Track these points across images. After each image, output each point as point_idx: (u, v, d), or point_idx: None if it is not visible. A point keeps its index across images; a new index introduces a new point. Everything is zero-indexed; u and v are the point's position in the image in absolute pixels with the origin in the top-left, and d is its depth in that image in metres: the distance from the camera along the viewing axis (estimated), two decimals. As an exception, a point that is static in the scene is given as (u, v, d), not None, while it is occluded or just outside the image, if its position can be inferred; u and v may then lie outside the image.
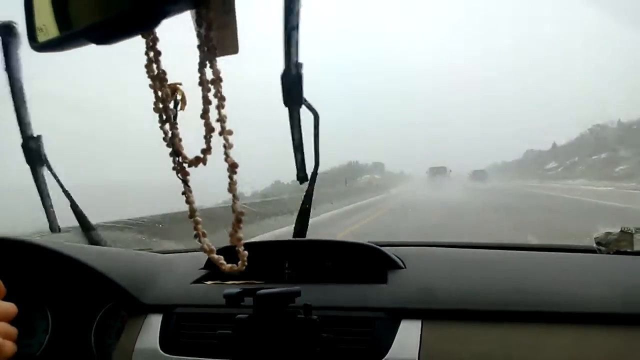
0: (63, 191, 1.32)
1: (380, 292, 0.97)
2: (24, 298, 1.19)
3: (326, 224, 8.62)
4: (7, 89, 1.10)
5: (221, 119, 0.54)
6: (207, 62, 0.57)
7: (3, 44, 1.04)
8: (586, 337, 0.83)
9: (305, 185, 1.18)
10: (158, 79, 0.58)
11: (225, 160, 0.55)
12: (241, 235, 0.57)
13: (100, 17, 0.49)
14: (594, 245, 1.19)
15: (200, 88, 0.53)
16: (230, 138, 0.55)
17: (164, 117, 0.56)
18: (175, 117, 0.57)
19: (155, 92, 0.58)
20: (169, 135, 0.56)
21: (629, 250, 1.14)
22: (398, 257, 1.10)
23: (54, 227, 1.24)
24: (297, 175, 1.08)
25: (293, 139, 1.02)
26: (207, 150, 0.56)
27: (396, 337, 0.87)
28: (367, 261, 1.11)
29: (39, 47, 0.54)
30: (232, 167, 0.55)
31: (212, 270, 1.18)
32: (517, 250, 1.24)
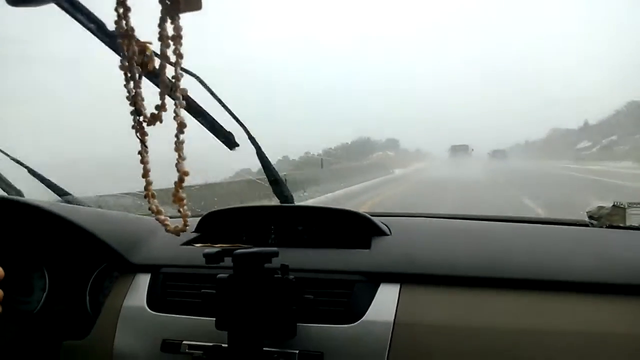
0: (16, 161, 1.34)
1: (362, 256, 0.99)
2: (22, 257, 1.23)
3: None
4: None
5: (176, 77, 0.54)
6: (169, 18, 0.57)
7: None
8: (568, 305, 0.83)
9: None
10: (126, 37, 0.59)
11: (174, 118, 0.56)
12: (184, 195, 0.58)
13: None
14: (586, 219, 1.18)
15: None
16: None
17: (129, 75, 0.57)
18: (140, 76, 0.57)
19: (123, 50, 0.59)
20: (132, 94, 0.57)
21: (621, 224, 1.13)
22: (385, 225, 1.11)
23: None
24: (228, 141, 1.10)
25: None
26: (161, 107, 0.56)
27: (374, 300, 0.89)
28: (353, 228, 1.12)
29: (13, 1, 0.54)
30: (180, 127, 0.55)
31: (202, 234, 1.20)
32: (509, 222, 1.24)
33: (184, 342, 0.92)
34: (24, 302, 1.21)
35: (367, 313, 0.87)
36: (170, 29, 0.54)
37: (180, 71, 0.55)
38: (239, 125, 1.10)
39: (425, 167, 26.54)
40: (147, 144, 0.62)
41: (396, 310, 0.86)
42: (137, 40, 0.59)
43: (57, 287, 1.22)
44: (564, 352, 0.78)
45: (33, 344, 1.11)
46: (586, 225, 1.18)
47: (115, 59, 0.58)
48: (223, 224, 1.23)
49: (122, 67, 0.60)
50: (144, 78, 0.60)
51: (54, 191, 1.40)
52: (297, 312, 0.84)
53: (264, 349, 0.83)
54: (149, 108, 0.60)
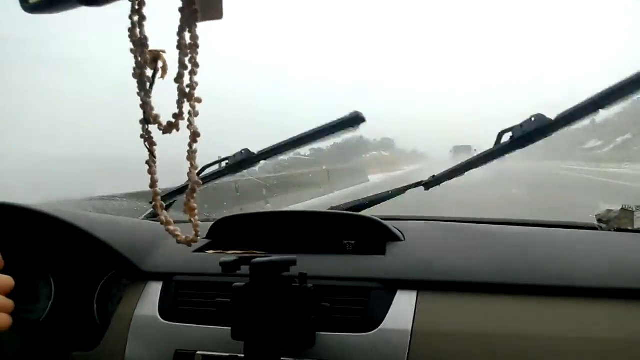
0: None
1: (378, 263, 0.98)
2: (28, 264, 1.22)
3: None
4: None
5: (191, 85, 0.54)
6: (187, 27, 0.57)
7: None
8: (584, 311, 0.83)
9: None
10: (140, 44, 0.58)
11: (188, 127, 0.55)
12: (195, 205, 0.58)
13: None
14: (595, 222, 1.18)
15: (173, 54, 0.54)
16: (198, 106, 0.55)
17: (141, 83, 0.57)
18: (152, 85, 0.57)
19: (136, 58, 0.58)
20: (143, 102, 0.57)
21: (629, 228, 1.13)
22: (398, 230, 1.10)
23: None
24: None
25: None
26: (179, 116, 0.56)
27: (391, 308, 0.88)
28: (366, 233, 1.12)
29: (30, 8, 0.54)
30: (194, 136, 0.55)
31: (214, 240, 1.20)
32: (519, 225, 1.24)
33: (198, 352, 0.91)
34: (30, 310, 1.20)
35: (384, 321, 0.86)
36: (187, 38, 0.54)
37: (196, 80, 0.56)
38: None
39: (417, 171, 22.76)
40: (156, 154, 0.62)
41: (414, 318, 0.86)
42: (150, 50, 0.60)
43: (64, 295, 1.21)
44: (585, 359, 0.78)
45: (40, 355, 1.10)
46: (595, 228, 1.18)
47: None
48: (235, 230, 1.22)
49: (135, 75, 0.60)
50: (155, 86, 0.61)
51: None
52: (314, 320, 0.83)
53: (282, 359, 0.82)
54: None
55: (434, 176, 1.27)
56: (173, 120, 0.56)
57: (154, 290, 1.03)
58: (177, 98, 0.55)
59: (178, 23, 0.55)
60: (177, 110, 0.55)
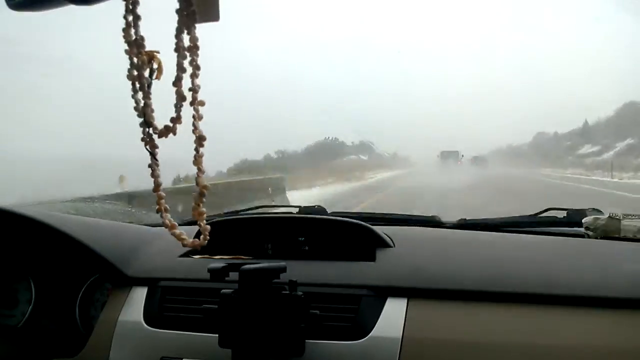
0: None
1: (368, 269, 0.97)
2: (6, 267, 1.18)
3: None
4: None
5: (194, 89, 0.52)
6: (185, 29, 0.55)
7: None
8: (571, 319, 0.84)
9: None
10: (135, 45, 0.56)
11: (193, 132, 0.54)
12: (203, 209, 0.56)
13: None
14: (583, 229, 1.20)
15: (170, 57, 0.52)
16: (201, 109, 0.53)
17: (138, 85, 0.55)
18: (149, 86, 0.55)
19: (131, 59, 0.56)
20: (141, 104, 0.55)
21: (616, 235, 1.14)
22: (387, 236, 1.10)
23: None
24: None
25: None
26: (176, 120, 0.54)
27: (381, 315, 0.87)
28: (356, 239, 1.11)
29: (16, 5, 0.51)
30: (200, 140, 0.54)
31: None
32: (507, 232, 1.24)
33: (184, 359, 0.89)
34: (7, 315, 1.16)
35: (374, 328, 0.86)
36: (186, 40, 0.52)
37: (198, 83, 0.54)
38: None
39: (390, 181, 19.46)
40: (158, 157, 0.60)
41: (404, 326, 0.85)
42: (146, 51, 0.58)
43: (45, 300, 1.17)
44: None
45: None
46: (582, 236, 1.19)
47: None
48: (222, 234, 1.20)
49: (129, 77, 0.58)
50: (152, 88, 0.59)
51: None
52: (305, 329, 0.82)
53: None
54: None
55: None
56: (170, 125, 0.55)
57: (139, 295, 1.00)
58: (174, 101, 0.53)
59: (175, 25, 0.54)
60: (174, 114, 0.54)
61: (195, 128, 0.53)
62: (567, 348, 0.80)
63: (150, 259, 1.09)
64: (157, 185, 0.57)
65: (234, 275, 0.82)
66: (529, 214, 1.35)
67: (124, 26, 0.56)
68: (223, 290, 0.83)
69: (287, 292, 0.81)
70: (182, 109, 0.53)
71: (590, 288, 0.87)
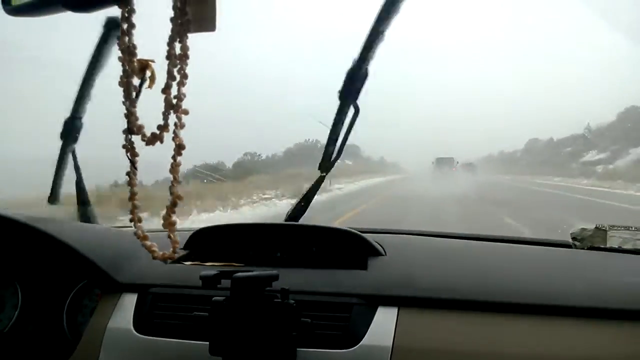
0: (75, 167, 1.37)
1: (359, 278, 0.98)
2: None
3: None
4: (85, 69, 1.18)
5: (179, 97, 0.53)
6: (178, 37, 0.56)
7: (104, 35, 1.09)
8: (557, 329, 0.84)
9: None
10: (127, 52, 0.57)
11: (173, 139, 0.54)
12: (175, 219, 0.56)
13: None
14: (570, 240, 1.21)
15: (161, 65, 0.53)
16: (184, 118, 0.54)
17: (127, 92, 0.55)
18: (137, 94, 0.56)
19: (123, 66, 0.57)
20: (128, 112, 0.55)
21: (602, 246, 1.16)
22: (379, 244, 1.10)
23: (53, 198, 1.32)
24: (322, 165, 1.18)
25: (333, 132, 1.13)
26: (164, 128, 0.55)
27: (372, 324, 0.88)
28: (347, 247, 1.11)
29: (13, 10, 0.52)
30: (179, 148, 0.54)
31: (190, 251, 1.17)
32: (496, 242, 1.26)
33: None
34: None
35: (365, 337, 0.86)
36: (177, 48, 0.53)
37: (184, 91, 0.54)
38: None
39: (375, 189, 17.73)
40: (137, 165, 0.61)
41: (394, 335, 0.85)
42: (139, 59, 0.58)
43: (32, 305, 1.16)
44: None
45: None
46: (569, 246, 1.21)
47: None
48: (213, 241, 1.20)
49: (121, 84, 0.58)
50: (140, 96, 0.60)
51: (78, 198, 1.41)
52: (297, 337, 0.82)
53: None
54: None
55: None
56: (157, 132, 0.56)
57: (129, 302, 1.00)
58: (163, 109, 0.54)
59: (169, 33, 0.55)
60: (162, 122, 0.54)
61: (175, 136, 0.54)
62: (554, 358, 0.81)
63: (140, 265, 1.08)
64: (132, 194, 0.57)
65: (225, 283, 0.82)
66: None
67: (118, 34, 0.57)
68: (214, 298, 0.83)
69: (279, 300, 0.82)
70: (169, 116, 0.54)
71: (577, 299, 0.89)
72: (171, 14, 0.55)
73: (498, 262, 1.07)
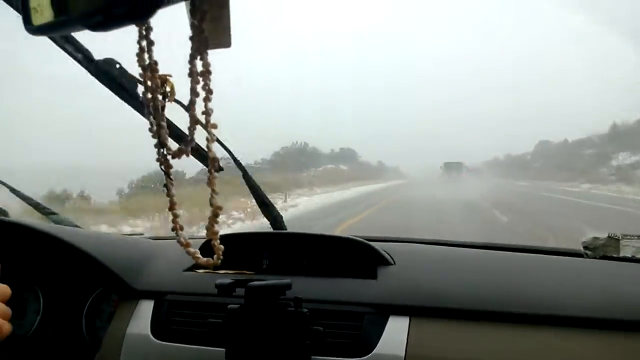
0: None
1: (370, 287, 0.99)
2: (16, 279, 1.20)
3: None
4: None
5: (207, 112, 0.55)
6: (198, 54, 0.58)
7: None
8: (569, 340, 0.85)
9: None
10: (149, 69, 0.59)
11: (207, 154, 0.56)
12: (218, 229, 0.58)
13: (96, 4, 0.49)
14: (582, 249, 1.21)
15: (185, 81, 0.55)
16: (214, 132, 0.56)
17: (152, 107, 0.57)
18: (163, 108, 0.58)
19: (145, 83, 0.59)
20: (155, 126, 0.57)
21: (614, 255, 1.16)
22: (387, 253, 1.11)
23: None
24: None
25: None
26: (190, 142, 0.57)
27: (384, 333, 0.89)
28: (356, 256, 1.13)
29: (34, 30, 0.54)
30: (213, 162, 0.56)
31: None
32: (505, 250, 1.26)
33: None
34: (17, 324, 1.18)
35: (377, 346, 0.87)
36: (199, 65, 0.55)
37: (211, 106, 0.57)
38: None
39: (369, 199, 14.65)
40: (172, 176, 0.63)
41: (407, 344, 0.87)
42: (159, 74, 0.61)
43: (52, 310, 1.20)
44: None
45: None
46: (580, 255, 1.20)
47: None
48: (226, 249, 1.22)
49: (144, 100, 0.61)
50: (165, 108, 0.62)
51: (38, 210, 1.38)
52: (311, 345, 0.84)
53: None
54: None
55: None
56: (184, 147, 0.58)
57: (146, 308, 1.02)
58: (188, 124, 0.56)
59: (188, 51, 0.57)
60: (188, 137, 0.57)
61: (208, 150, 0.56)
62: None
63: (157, 272, 1.11)
64: (172, 204, 0.60)
65: (239, 290, 0.85)
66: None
67: (137, 51, 0.60)
68: (230, 306, 0.86)
69: (293, 308, 0.84)
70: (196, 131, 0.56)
71: (590, 309, 0.89)
72: (188, 32, 0.58)
73: (509, 271, 1.08)
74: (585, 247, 1.20)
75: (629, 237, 1.17)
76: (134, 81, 0.86)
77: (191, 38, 0.57)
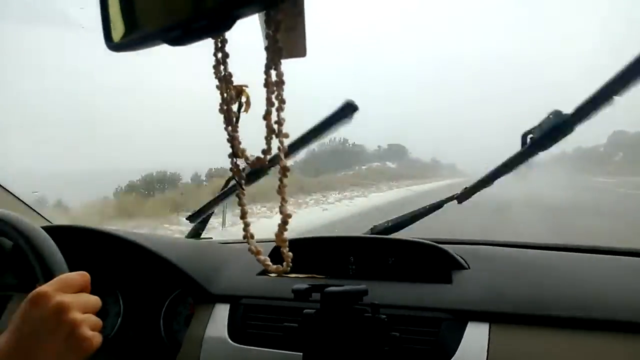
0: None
1: (446, 292, 0.96)
2: (98, 282, 1.28)
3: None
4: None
5: (279, 122, 0.55)
6: (273, 65, 0.58)
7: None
8: None
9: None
10: (225, 81, 0.61)
11: (279, 163, 0.57)
12: (286, 237, 0.59)
13: (174, 19, 0.50)
14: None
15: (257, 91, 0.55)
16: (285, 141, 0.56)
17: (228, 118, 0.59)
18: (237, 119, 0.59)
19: (221, 94, 0.61)
20: (229, 136, 0.59)
21: None
22: (461, 257, 1.08)
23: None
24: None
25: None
26: (267, 151, 0.58)
27: (463, 340, 0.86)
28: (429, 260, 1.10)
29: (115, 47, 0.56)
30: (284, 170, 0.57)
31: (274, 263, 1.21)
32: (580, 252, 1.18)
33: None
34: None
35: (457, 353, 0.85)
36: (274, 75, 0.56)
37: (283, 116, 0.57)
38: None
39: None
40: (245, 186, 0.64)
41: (488, 351, 0.83)
42: (235, 85, 0.62)
43: (132, 313, 1.26)
44: None
45: None
46: None
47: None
48: (298, 253, 1.23)
49: (221, 111, 0.62)
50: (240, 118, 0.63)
51: None
52: (389, 352, 0.83)
53: None
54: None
55: (466, 188, 1.16)
56: (262, 156, 0.59)
57: (222, 312, 1.05)
58: (265, 134, 0.57)
59: (263, 61, 0.58)
60: (265, 146, 0.57)
61: (280, 159, 0.56)
62: None
63: (231, 276, 1.14)
64: (243, 213, 0.61)
65: (314, 295, 0.85)
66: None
67: (214, 63, 0.61)
68: (305, 311, 0.86)
69: (370, 314, 0.83)
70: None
71: None
72: (262, 43, 0.58)
73: (589, 274, 1.01)
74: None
75: None
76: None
77: (266, 48, 0.58)
